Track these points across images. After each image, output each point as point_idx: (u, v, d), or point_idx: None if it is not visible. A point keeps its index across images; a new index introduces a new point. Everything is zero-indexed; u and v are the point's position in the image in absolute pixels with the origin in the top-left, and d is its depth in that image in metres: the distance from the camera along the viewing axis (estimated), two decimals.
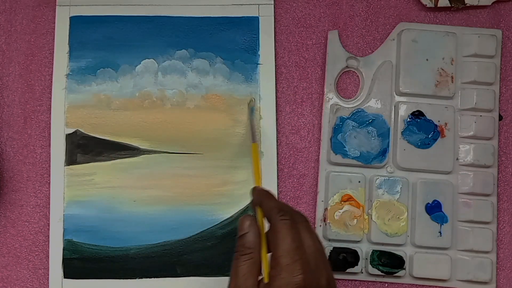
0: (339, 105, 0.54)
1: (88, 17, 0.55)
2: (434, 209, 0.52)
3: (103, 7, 0.55)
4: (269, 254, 0.40)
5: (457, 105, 0.54)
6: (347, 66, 0.55)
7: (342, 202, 0.53)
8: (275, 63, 0.55)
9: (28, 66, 0.55)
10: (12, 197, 0.54)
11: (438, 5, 0.55)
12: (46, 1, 0.55)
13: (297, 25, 0.56)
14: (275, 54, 0.55)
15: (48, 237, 0.53)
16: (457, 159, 0.53)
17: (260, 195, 0.43)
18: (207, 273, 0.53)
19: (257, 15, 0.55)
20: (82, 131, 0.54)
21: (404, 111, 0.53)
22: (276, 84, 0.55)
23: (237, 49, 0.55)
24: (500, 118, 0.55)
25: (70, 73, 0.54)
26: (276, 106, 0.54)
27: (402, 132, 0.53)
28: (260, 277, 0.39)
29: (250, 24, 0.55)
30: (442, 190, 0.53)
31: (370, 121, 0.54)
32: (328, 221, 0.52)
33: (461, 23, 0.56)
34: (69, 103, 0.54)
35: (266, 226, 0.41)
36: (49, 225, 0.53)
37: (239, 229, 0.41)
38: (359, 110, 0.54)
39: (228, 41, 0.55)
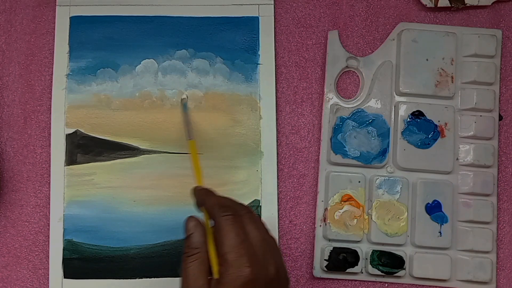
0: (339, 105, 0.54)
1: (88, 17, 0.55)
2: (434, 209, 0.52)
3: (103, 7, 0.55)
4: None
5: (457, 105, 0.54)
6: (347, 66, 0.55)
7: (342, 202, 0.53)
8: (275, 63, 0.55)
9: (28, 66, 0.55)
10: (12, 197, 0.54)
11: (438, 5, 0.55)
12: (46, 1, 0.55)
13: (297, 25, 0.56)
14: (275, 54, 0.55)
15: (48, 237, 0.53)
16: (457, 159, 0.53)
17: (201, 195, 0.43)
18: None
19: (257, 15, 0.55)
20: (82, 131, 0.54)
21: (404, 111, 0.53)
22: (276, 84, 0.55)
23: (237, 49, 0.55)
24: (500, 118, 0.55)
25: (70, 73, 0.54)
26: (276, 106, 0.54)
27: (402, 132, 0.53)
28: (210, 276, 0.40)
29: (250, 24, 0.55)
30: (442, 190, 0.53)
31: (370, 121, 0.54)
32: (328, 221, 0.52)
33: (461, 23, 0.56)
34: (69, 103, 0.54)
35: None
36: (49, 225, 0.53)
37: (185, 231, 0.41)
38: (359, 110, 0.54)
39: (228, 41, 0.55)
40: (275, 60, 0.55)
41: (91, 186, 0.53)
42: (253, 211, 0.41)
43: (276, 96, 0.54)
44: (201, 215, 0.43)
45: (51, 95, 0.54)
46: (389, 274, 0.52)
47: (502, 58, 0.55)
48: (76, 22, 0.55)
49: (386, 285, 0.53)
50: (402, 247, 0.53)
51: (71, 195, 0.53)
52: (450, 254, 0.52)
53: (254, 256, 0.38)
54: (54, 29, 0.55)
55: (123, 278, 0.52)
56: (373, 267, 0.52)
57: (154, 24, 0.55)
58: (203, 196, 0.43)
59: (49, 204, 0.53)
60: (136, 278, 0.52)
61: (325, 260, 0.52)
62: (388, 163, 0.53)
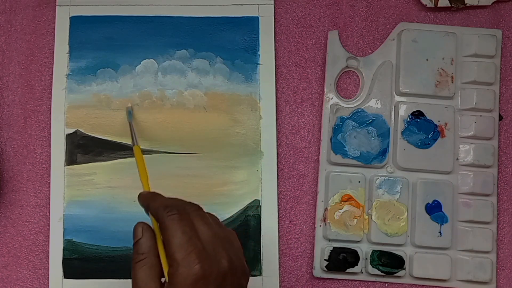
0: (339, 105, 0.54)
1: (88, 17, 0.55)
2: (434, 209, 0.52)
3: (103, 7, 0.55)
4: None
5: (457, 105, 0.54)
6: (347, 66, 0.55)
7: (342, 202, 0.53)
8: (275, 63, 0.55)
9: (28, 66, 0.55)
10: (12, 197, 0.54)
11: (438, 5, 0.55)
12: (46, 1, 0.55)
13: (297, 25, 0.56)
14: (275, 54, 0.55)
15: (48, 237, 0.53)
16: (457, 159, 0.53)
17: (145, 199, 0.43)
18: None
19: (257, 15, 0.55)
20: (82, 131, 0.54)
21: (404, 111, 0.53)
22: (276, 84, 0.55)
23: (237, 49, 0.55)
24: (500, 118, 0.55)
25: (70, 73, 0.54)
26: (276, 106, 0.54)
27: (402, 132, 0.53)
28: (163, 279, 0.39)
29: (250, 24, 0.55)
30: (442, 190, 0.53)
31: (370, 121, 0.54)
32: (328, 221, 0.52)
33: (461, 23, 0.56)
34: (69, 103, 0.54)
35: None
36: (49, 225, 0.53)
37: (133, 237, 0.41)
38: (359, 110, 0.54)
39: (228, 41, 0.55)
40: (275, 60, 0.55)
41: (91, 186, 0.53)
42: (201, 208, 0.41)
43: (276, 96, 0.54)
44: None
45: (51, 95, 0.54)
46: (389, 274, 0.52)
47: (502, 58, 0.55)
48: (76, 22, 0.55)
49: (386, 285, 0.53)
50: (402, 247, 0.53)
51: (71, 195, 0.53)
52: (450, 254, 0.52)
53: (203, 252, 0.38)
54: (54, 29, 0.55)
55: (123, 278, 0.52)
56: (373, 267, 0.52)
57: (154, 24, 0.55)
58: (147, 200, 0.42)
59: (49, 204, 0.53)
60: None
61: (325, 260, 0.52)
62: (388, 163, 0.53)
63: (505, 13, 0.56)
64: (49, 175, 0.53)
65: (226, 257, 0.39)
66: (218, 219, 0.42)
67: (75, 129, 0.54)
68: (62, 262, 0.52)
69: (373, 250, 0.52)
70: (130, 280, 0.52)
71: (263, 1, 0.55)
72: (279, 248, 0.53)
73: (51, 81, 0.54)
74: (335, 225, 0.52)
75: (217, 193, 0.53)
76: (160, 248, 0.40)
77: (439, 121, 0.53)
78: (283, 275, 0.53)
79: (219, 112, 0.54)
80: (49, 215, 0.53)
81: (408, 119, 0.53)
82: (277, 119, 0.54)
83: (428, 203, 0.53)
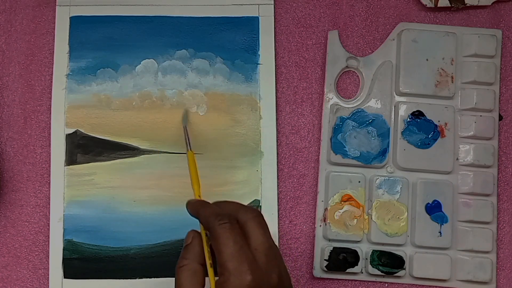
0: (339, 105, 0.54)
1: (88, 17, 0.55)
2: (434, 209, 0.52)
3: (103, 7, 0.55)
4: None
5: (457, 105, 0.54)
6: (347, 66, 0.55)
7: (342, 202, 0.53)
8: (275, 63, 0.55)
9: (28, 66, 0.55)
10: (12, 197, 0.54)
11: (438, 5, 0.55)
12: (46, 1, 0.55)
13: (297, 25, 0.56)
14: (275, 54, 0.55)
15: (48, 237, 0.53)
16: (457, 159, 0.53)
17: (195, 207, 0.42)
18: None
19: (257, 15, 0.55)
20: (82, 131, 0.54)
21: (404, 111, 0.53)
22: (276, 84, 0.55)
23: (237, 49, 0.55)
24: (500, 118, 0.55)
25: (70, 73, 0.54)
26: (276, 106, 0.54)
27: (402, 132, 0.53)
28: None
29: (250, 24, 0.55)
30: (442, 190, 0.53)
31: (370, 121, 0.54)
32: (328, 221, 0.52)
33: (461, 23, 0.56)
34: (69, 103, 0.54)
35: None
36: (49, 225, 0.53)
37: (184, 242, 0.41)
38: (359, 110, 0.54)
39: (228, 41, 0.55)
40: (275, 60, 0.55)
41: (91, 186, 0.53)
42: (261, 215, 0.40)
43: (276, 96, 0.54)
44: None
45: (51, 95, 0.54)
46: (389, 274, 0.52)
47: (502, 58, 0.55)
48: (76, 22, 0.55)
49: (386, 285, 0.53)
50: (402, 247, 0.53)
51: (71, 195, 0.53)
52: (450, 254, 0.52)
53: (255, 263, 0.37)
54: (54, 29, 0.55)
55: (123, 278, 0.52)
56: (373, 267, 0.52)
57: (154, 24, 0.55)
58: (197, 208, 0.42)
59: (49, 204, 0.53)
60: (136, 278, 0.52)
61: (325, 260, 0.52)
62: (388, 163, 0.53)
63: (505, 13, 0.56)
64: (49, 175, 0.53)
65: (277, 272, 0.38)
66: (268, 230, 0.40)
67: (75, 129, 0.54)
68: (62, 262, 0.52)
69: (373, 250, 0.52)
70: (130, 280, 0.53)
71: (263, 1, 0.55)
72: (279, 248, 0.53)
73: (51, 81, 0.54)
74: (335, 225, 0.52)
75: (217, 193, 0.53)
76: (207, 257, 0.40)
77: (439, 121, 0.53)
78: None
79: (219, 112, 0.54)
80: (49, 215, 0.53)
81: (408, 119, 0.53)
82: (277, 119, 0.54)
83: (428, 203, 0.53)
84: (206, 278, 0.40)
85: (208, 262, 0.40)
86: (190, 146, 0.49)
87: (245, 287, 0.36)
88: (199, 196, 0.45)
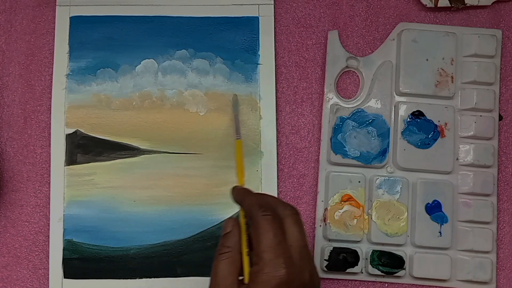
0: (339, 105, 0.54)
1: (88, 17, 0.55)
2: (434, 209, 0.52)
3: (103, 7, 0.55)
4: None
5: (457, 105, 0.54)
6: (347, 66, 0.55)
7: (342, 202, 0.53)
8: (275, 63, 0.55)
9: (28, 66, 0.55)
10: (12, 197, 0.54)
11: (438, 5, 0.55)
12: (46, 1, 0.55)
13: (297, 25, 0.56)
14: (275, 54, 0.55)
15: (48, 237, 0.53)
16: (457, 159, 0.53)
17: (240, 194, 0.43)
18: (207, 273, 0.52)
19: (257, 15, 0.55)
20: (82, 131, 0.54)
21: (404, 111, 0.53)
22: (276, 84, 0.55)
23: (237, 49, 0.55)
24: (500, 118, 0.55)
25: (70, 73, 0.54)
26: (276, 106, 0.54)
27: (402, 132, 0.53)
28: (241, 277, 0.39)
29: (250, 24, 0.55)
30: (442, 190, 0.53)
31: (370, 121, 0.54)
32: (328, 221, 0.52)
33: (461, 23, 0.56)
34: (69, 103, 0.54)
35: None
36: (49, 225, 0.53)
37: (222, 230, 0.41)
38: (359, 110, 0.54)
39: (228, 41, 0.55)
40: (275, 60, 0.55)
41: (91, 186, 0.53)
42: (298, 213, 0.40)
43: (276, 96, 0.54)
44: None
45: (51, 95, 0.54)
46: (389, 274, 0.52)
47: (502, 58, 0.55)
48: (76, 22, 0.55)
49: (386, 285, 0.53)
50: (402, 247, 0.53)
51: (71, 195, 0.53)
52: (450, 254, 0.52)
53: (291, 258, 0.38)
54: (54, 29, 0.55)
55: (123, 278, 0.52)
56: (373, 267, 0.52)
57: (154, 24, 0.55)
58: (242, 196, 0.43)
59: (49, 204, 0.53)
60: (136, 278, 0.52)
61: (325, 260, 0.52)
62: (388, 163, 0.53)
63: (505, 13, 0.56)
64: (49, 175, 0.53)
65: (309, 270, 0.39)
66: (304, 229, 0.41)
67: (75, 129, 0.54)
68: (62, 262, 0.52)
69: (373, 250, 0.52)
70: (130, 280, 0.53)
71: (263, 1, 0.55)
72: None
73: (51, 81, 0.54)
74: (335, 225, 0.52)
75: (217, 193, 0.53)
76: (244, 245, 0.40)
77: (439, 121, 0.53)
78: None
79: (219, 112, 0.54)
80: (49, 215, 0.53)
81: (408, 119, 0.53)
82: (277, 119, 0.54)
83: (428, 203, 0.53)
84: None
85: (245, 250, 0.40)
86: (240, 135, 0.50)
87: (278, 279, 0.37)
88: (243, 184, 0.46)
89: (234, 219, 0.42)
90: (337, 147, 0.53)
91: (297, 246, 0.39)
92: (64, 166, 0.53)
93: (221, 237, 0.41)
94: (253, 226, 0.39)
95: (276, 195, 0.53)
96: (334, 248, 0.52)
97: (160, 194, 0.53)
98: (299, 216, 0.40)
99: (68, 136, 0.54)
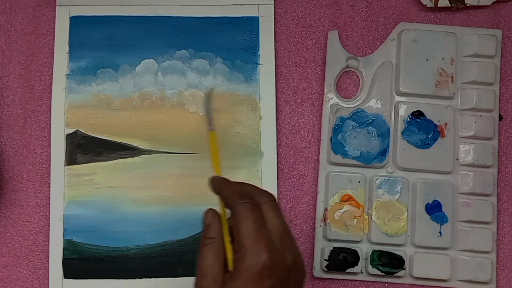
0: (339, 105, 0.54)
1: (88, 17, 0.55)
2: (434, 209, 0.52)
3: (103, 7, 0.55)
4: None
5: (457, 105, 0.54)
6: (347, 66, 0.55)
7: (342, 202, 0.53)
8: (275, 63, 0.55)
9: (28, 66, 0.55)
10: (12, 197, 0.54)
11: (438, 5, 0.55)
12: (46, 1, 0.55)
13: (297, 25, 0.56)
14: (275, 54, 0.55)
15: (48, 237, 0.53)
16: (457, 159, 0.53)
17: (217, 184, 0.43)
18: None
19: (257, 15, 0.55)
20: (82, 131, 0.54)
21: (404, 111, 0.53)
22: (276, 84, 0.55)
23: (237, 49, 0.55)
24: (500, 118, 0.55)
25: (70, 73, 0.54)
26: (276, 106, 0.54)
27: (402, 132, 0.53)
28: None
29: (250, 24, 0.55)
30: (442, 190, 0.53)
31: (370, 121, 0.54)
32: (328, 221, 0.52)
33: (461, 23, 0.56)
34: (69, 103, 0.54)
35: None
36: (49, 225, 0.53)
37: (202, 222, 0.42)
38: (359, 110, 0.54)
39: (228, 41, 0.55)
40: (275, 60, 0.55)
41: (91, 186, 0.53)
42: (275, 199, 0.41)
43: (276, 96, 0.54)
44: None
45: (51, 95, 0.54)
46: (389, 274, 0.52)
47: (502, 58, 0.55)
48: (76, 22, 0.55)
49: (386, 285, 0.53)
50: (402, 247, 0.53)
51: (71, 195, 0.53)
52: (450, 254, 0.52)
53: (272, 243, 0.38)
54: (54, 29, 0.55)
55: (123, 278, 0.52)
56: (373, 267, 0.52)
57: (154, 24, 0.55)
58: (220, 185, 0.43)
59: (49, 204, 0.53)
60: (136, 278, 0.52)
61: (325, 260, 0.52)
62: (388, 163, 0.53)
63: (505, 13, 0.56)
64: (49, 175, 0.53)
65: (292, 252, 0.39)
66: (283, 213, 0.42)
67: (75, 129, 0.54)
68: (62, 262, 0.52)
69: (373, 250, 0.52)
70: (130, 280, 0.53)
71: (263, 1, 0.55)
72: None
73: (51, 81, 0.54)
74: (335, 225, 0.52)
75: None
76: (226, 234, 0.41)
77: (439, 121, 0.53)
78: None
79: (219, 112, 0.54)
80: (49, 215, 0.53)
81: (408, 119, 0.53)
82: (277, 119, 0.54)
83: (428, 203, 0.53)
84: None
85: (227, 239, 0.40)
86: (212, 126, 0.49)
87: (260, 264, 0.37)
88: (220, 175, 0.46)
89: (213, 210, 0.42)
90: (337, 147, 0.53)
91: (277, 230, 0.39)
92: (64, 166, 0.53)
93: (202, 229, 0.41)
94: (232, 215, 0.40)
95: (276, 195, 0.53)
96: (334, 248, 0.52)
97: (160, 194, 0.53)
98: (276, 202, 0.41)
99: (68, 136, 0.54)
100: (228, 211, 0.42)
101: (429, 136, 0.53)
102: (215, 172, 0.46)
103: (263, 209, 0.40)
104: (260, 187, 0.42)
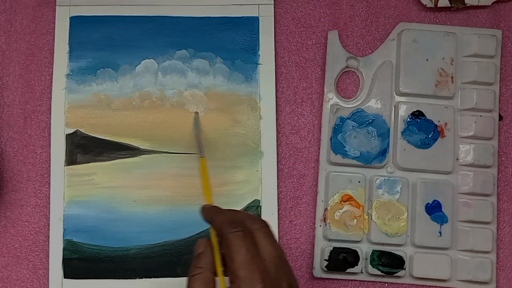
0: (339, 105, 0.54)
1: (88, 17, 0.55)
2: (434, 209, 0.52)
3: (103, 7, 0.55)
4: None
5: (457, 105, 0.54)
6: (347, 66, 0.55)
7: (342, 202, 0.53)
8: (275, 63, 0.55)
9: (28, 66, 0.55)
10: (12, 197, 0.54)
11: (438, 5, 0.55)
12: (46, 1, 0.55)
13: (297, 25, 0.56)
14: (275, 54, 0.55)
15: (48, 237, 0.53)
16: (457, 159, 0.53)
17: (209, 213, 0.43)
18: None
19: (257, 15, 0.55)
20: (82, 131, 0.54)
21: (404, 111, 0.53)
22: (276, 84, 0.55)
23: (237, 49, 0.55)
24: (500, 118, 0.55)
25: (70, 73, 0.54)
26: (276, 106, 0.54)
27: (402, 132, 0.53)
28: None
29: (250, 24, 0.55)
30: (442, 190, 0.53)
31: (370, 121, 0.54)
32: (328, 221, 0.52)
33: (461, 23, 0.56)
34: (69, 103, 0.54)
35: None
36: (49, 225, 0.53)
37: (194, 251, 0.41)
38: (359, 110, 0.54)
39: (228, 41, 0.55)
40: (275, 60, 0.55)
41: (91, 186, 0.53)
42: (268, 225, 0.40)
43: (276, 96, 0.54)
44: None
45: (51, 95, 0.54)
46: (389, 274, 0.52)
47: (502, 58, 0.55)
48: (76, 22, 0.55)
49: (386, 285, 0.53)
50: (402, 247, 0.53)
51: (71, 195, 0.53)
52: (450, 254, 0.52)
53: (266, 272, 0.37)
54: (54, 29, 0.55)
55: (123, 278, 0.52)
56: (373, 267, 0.52)
57: (154, 24, 0.55)
58: (211, 214, 0.42)
59: (49, 204, 0.53)
60: (136, 278, 0.52)
61: (325, 260, 0.52)
62: (388, 163, 0.53)
63: (505, 13, 0.56)
64: (49, 175, 0.53)
65: (287, 281, 0.38)
66: (276, 240, 0.41)
67: (75, 129, 0.54)
68: (62, 262, 0.52)
69: (373, 250, 0.52)
70: (130, 280, 0.53)
71: (263, 1, 0.55)
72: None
73: (51, 81, 0.54)
74: (335, 225, 0.52)
75: (217, 193, 0.53)
76: (218, 264, 0.40)
77: (439, 121, 0.53)
78: None
79: (219, 112, 0.54)
80: (49, 215, 0.53)
81: (408, 119, 0.53)
82: (277, 119, 0.54)
83: (428, 203, 0.53)
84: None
85: (220, 269, 0.40)
86: (202, 152, 0.49)
87: None
88: (211, 203, 0.45)
89: (207, 239, 0.41)
90: (337, 147, 0.53)
91: (271, 258, 0.38)
92: (64, 166, 0.53)
93: (193, 258, 0.41)
94: (225, 244, 0.39)
95: (276, 195, 0.53)
96: (334, 248, 0.52)
97: (160, 194, 0.53)
98: (269, 229, 0.40)
99: (68, 136, 0.54)
100: None
101: (429, 136, 0.53)
102: (206, 200, 0.45)
103: (256, 236, 0.39)
104: (251, 213, 0.41)
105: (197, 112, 0.54)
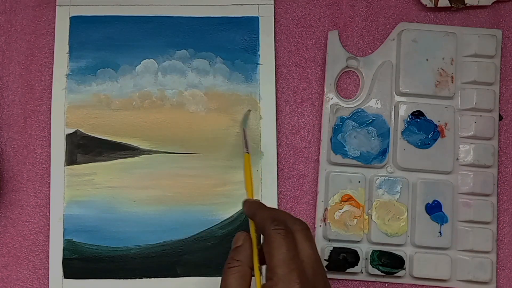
0: (339, 105, 0.54)
1: (88, 17, 0.55)
2: (434, 209, 0.52)
3: (103, 7, 0.55)
4: (263, 268, 0.39)
5: (457, 105, 0.54)
6: (347, 66, 0.55)
7: (342, 202, 0.53)
8: (275, 63, 0.55)
9: (28, 66, 0.55)
10: (12, 197, 0.54)
11: (438, 5, 0.55)
12: (46, 1, 0.55)
13: (297, 25, 0.56)
14: (275, 54, 0.55)
15: (48, 237, 0.53)
16: (457, 159, 0.53)
17: (252, 207, 0.43)
18: (207, 273, 0.53)
19: (257, 15, 0.55)
20: (82, 131, 0.54)
21: (404, 111, 0.53)
22: (276, 84, 0.55)
23: (237, 49, 0.55)
24: (500, 118, 0.55)
25: (70, 73, 0.54)
26: (276, 106, 0.54)
27: (402, 132, 0.53)
28: None
29: (250, 24, 0.55)
30: (442, 190, 0.53)
31: (370, 121, 0.54)
32: (328, 221, 0.52)
33: (461, 23, 0.56)
34: (69, 103, 0.54)
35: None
36: (49, 225, 0.53)
37: (233, 243, 0.41)
38: (359, 110, 0.54)
39: (228, 41, 0.55)
40: (275, 60, 0.55)
41: (91, 186, 0.53)
42: (309, 228, 0.40)
43: (276, 96, 0.54)
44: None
45: (51, 95, 0.54)
46: (389, 274, 0.52)
47: (502, 58, 0.55)
48: (76, 22, 0.55)
49: (386, 285, 0.53)
50: (402, 247, 0.53)
51: (71, 195, 0.53)
52: (450, 254, 0.52)
53: (304, 273, 0.37)
54: (54, 29, 0.55)
55: (123, 278, 0.52)
56: (373, 267, 0.52)
57: (154, 24, 0.55)
58: (254, 209, 0.42)
59: (49, 204, 0.53)
60: (136, 278, 0.52)
61: (325, 260, 0.52)
62: (388, 163, 0.53)
63: (505, 13, 0.56)
64: (49, 175, 0.53)
65: (323, 284, 0.38)
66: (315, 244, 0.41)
67: (75, 129, 0.54)
68: (62, 262, 0.52)
69: (373, 250, 0.52)
70: (130, 280, 0.53)
71: (263, 1, 0.55)
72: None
73: (51, 81, 0.54)
74: (335, 225, 0.52)
75: (217, 193, 0.53)
76: (255, 260, 0.40)
77: (439, 121, 0.53)
78: None
79: (219, 112, 0.54)
80: (49, 215, 0.53)
81: (408, 119, 0.53)
82: (277, 119, 0.54)
83: (428, 203, 0.53)
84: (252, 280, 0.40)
85: (257, 265, 0.39)
86: (248, 149, 0.49)
87: None
88: (253, 197, 0.45)
89: (246, 233, 0.41)
90: (337, 147, 0.53)
91: (309, 261, 0.38)
92: (64, 166, 0.53)
93: (231, 250, 0.41)
94: (266, 240, 0.39)
95: (276, 195, 0.53)
96: (334, 248, 0.52)
97: (160, 194, 0.53)
98: (309, 231, 0.40)
99: (68, 136, 0.54)
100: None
101: (429, 136, 0.53)
102: (248, 195, 0.45)
103: (297, 237, 0.39)
104: (292, 214, 0.41)
105: (250, 110, 0.54)
